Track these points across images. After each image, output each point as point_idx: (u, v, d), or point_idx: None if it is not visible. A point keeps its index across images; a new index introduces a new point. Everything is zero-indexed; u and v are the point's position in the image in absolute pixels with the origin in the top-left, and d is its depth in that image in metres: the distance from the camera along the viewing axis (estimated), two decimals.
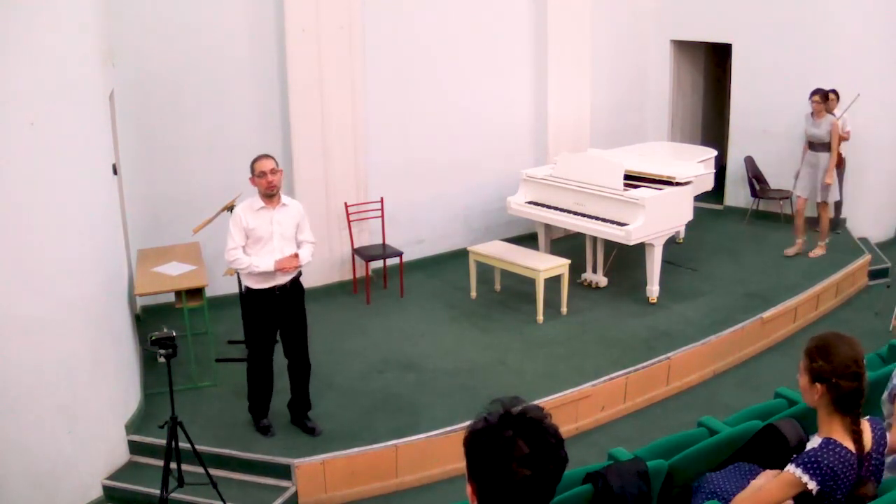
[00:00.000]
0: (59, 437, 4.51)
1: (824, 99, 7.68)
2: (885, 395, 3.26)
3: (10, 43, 4.03)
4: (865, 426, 2.65)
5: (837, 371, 2.56)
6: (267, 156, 4.87)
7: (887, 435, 2.80)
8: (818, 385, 2.60)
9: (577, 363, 6.02)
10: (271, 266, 4.83)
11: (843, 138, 8.27)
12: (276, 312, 4.99)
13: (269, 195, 4.85)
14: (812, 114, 7.74)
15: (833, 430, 2.61)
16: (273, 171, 4.81)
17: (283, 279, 4.94)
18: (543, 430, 1.60)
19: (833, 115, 7.85)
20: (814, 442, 2.63)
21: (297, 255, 4.92)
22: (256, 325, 5.03)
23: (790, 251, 8.14)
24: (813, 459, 2.56)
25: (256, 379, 5.14)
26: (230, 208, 5.65)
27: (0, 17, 3.97)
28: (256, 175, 4.82)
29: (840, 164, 8.43)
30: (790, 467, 2.60)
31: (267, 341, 5.07)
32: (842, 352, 2.59)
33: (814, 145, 7.81)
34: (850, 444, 2.58)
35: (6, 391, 4.27)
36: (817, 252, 8.12)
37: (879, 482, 2.73)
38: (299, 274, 5.07)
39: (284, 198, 4.96)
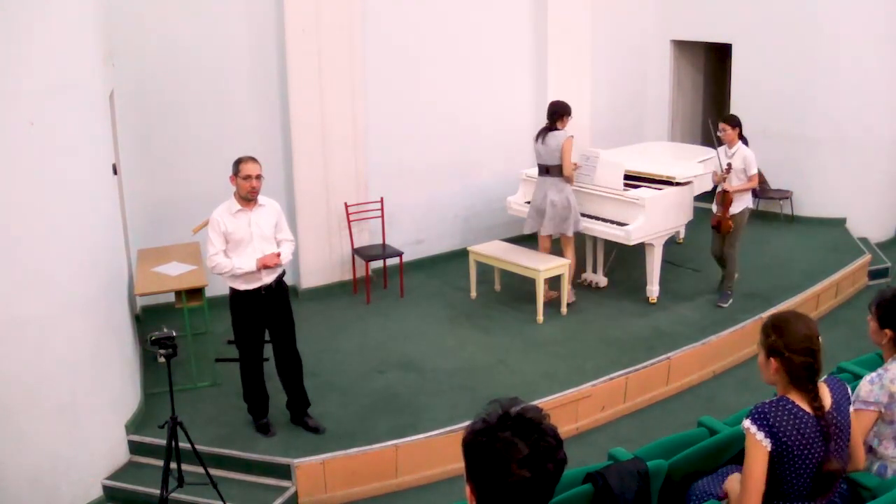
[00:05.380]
0: (59, 437, 4.51)
1: (559, 116, 6.59)
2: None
3: (11, 43, 4.03)
4: (824, 389, 2.70)
5: (791, 346, 2.63)
6: (253, 159, 4.84)
7: (849, 390, 2.82)
8: (772, 360, 2.67)
9: (577, 363, 6.01)
10: (254, 266, 4.82)
11: (747, 188, 6.72)
12: (264, 312, 5.00)
13: (249, 199, 4.84)
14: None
15: (789, 395, 2.67)
16: (258, 177, 4.80)
17: (268, 279, 4.93)
18: (542, 431, 1.60)
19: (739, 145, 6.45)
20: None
21: (278, 254, 4.90)
22: (246, 326, 5.02)
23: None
24: (760, 411, 2.63)
25: (251, 379, 5.14)
26: None
27: (0, 17, 3.97)
28: (241, 177, 4.78)
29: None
30: (744, 421, 2.66)
31: (257, 341, 5.08)
32: (796, 329, 2.65)
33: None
34: (806, 408, 2.63)
35: (6, 391, 4.27)
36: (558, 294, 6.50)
37: (847, 443, 2.75)
38: (283, 273, 5.08)
39: (261, 198, 4.92)
